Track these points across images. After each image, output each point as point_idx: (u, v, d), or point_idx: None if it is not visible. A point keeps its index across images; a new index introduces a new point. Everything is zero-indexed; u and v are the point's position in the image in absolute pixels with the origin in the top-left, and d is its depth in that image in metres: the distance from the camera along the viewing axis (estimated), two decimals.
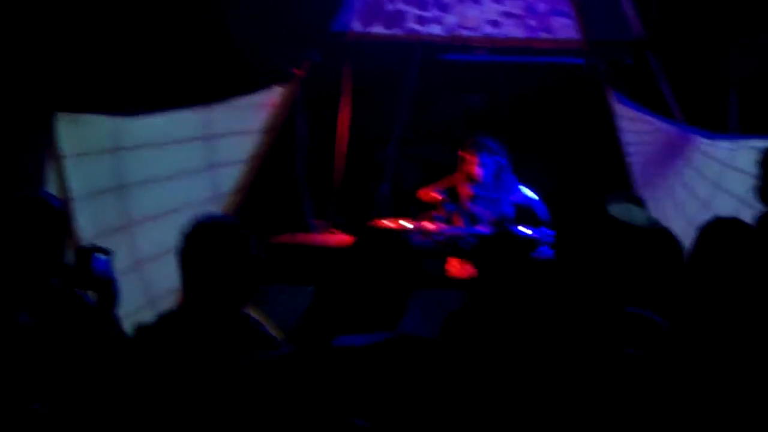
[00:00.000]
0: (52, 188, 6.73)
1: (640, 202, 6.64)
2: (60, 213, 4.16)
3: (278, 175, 9.30)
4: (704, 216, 6.51)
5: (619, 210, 6.36)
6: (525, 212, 8.30)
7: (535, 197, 8.29)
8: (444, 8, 8.98)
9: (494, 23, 8.88)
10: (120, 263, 4.29)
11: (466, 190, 8.37)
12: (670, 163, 7.48)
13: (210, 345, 3.57)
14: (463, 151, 8.35)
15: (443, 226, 7.98)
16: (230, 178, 8.23)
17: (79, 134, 6.95)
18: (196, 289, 3.70)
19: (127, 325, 4.06)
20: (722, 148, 7.23)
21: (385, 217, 8.64)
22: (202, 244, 3.71)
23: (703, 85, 8.22)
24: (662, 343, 3.48)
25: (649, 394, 3.30)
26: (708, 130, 7.51)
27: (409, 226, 8.02)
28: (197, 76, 8.18)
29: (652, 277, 4.10)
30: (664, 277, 4.13)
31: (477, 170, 8.24)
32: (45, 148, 6.79)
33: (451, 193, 8.41)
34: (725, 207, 6.61)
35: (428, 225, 8.00)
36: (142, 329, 3.72)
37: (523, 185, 8.37)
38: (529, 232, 7.84)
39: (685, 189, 7.44)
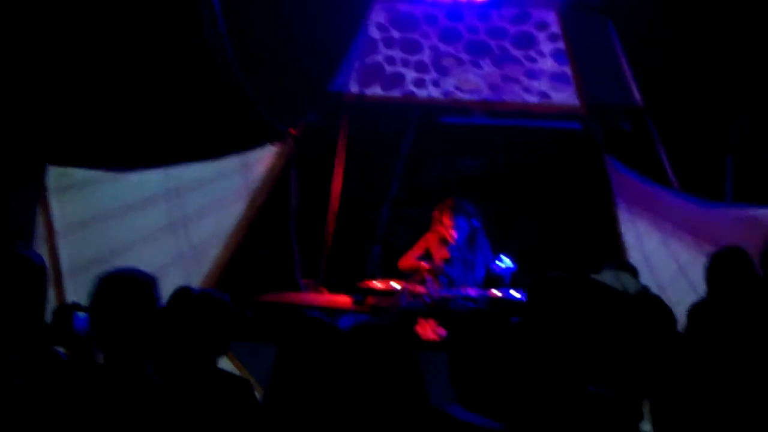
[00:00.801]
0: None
1: (632, 270, 6.58)
2: (39, 268, 4.09)
3: (270, 232, 9.25)
4: (700, 286, 6.50)
5: (610, 277, 6.32)
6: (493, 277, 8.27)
7: (511, 265, 8.23)
8: (443, 71, 8.96)
9: (493, 87, 8.85)
10: None
11: (441, 253, 8.33)
12: (667, 230, 7.43)
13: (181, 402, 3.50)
14: (439, 212, 8.33)
15: (433, 287, 7.88)
16: (222, 232, 8.19)
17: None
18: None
19: None
20: (719, 215, 7.20)
21: (376, 277, 8.56)
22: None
23: (701, 153, 8.19)
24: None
25: None
26: (705, 198, 7.46)
27: (399, 287, 7.95)
28: (193, 131, 8.16)
29: (641, 343, 4.02)
30: (654, 344, 4.06)
31: (452, 232, 8.22)
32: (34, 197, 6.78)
33: (426, 256, 8.38)
34: None
35: (418, 287, 7.93)
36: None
37: (502, 253, 8.32)
38: (519, 296, 7.79)
39: (680, 257, 7.39)
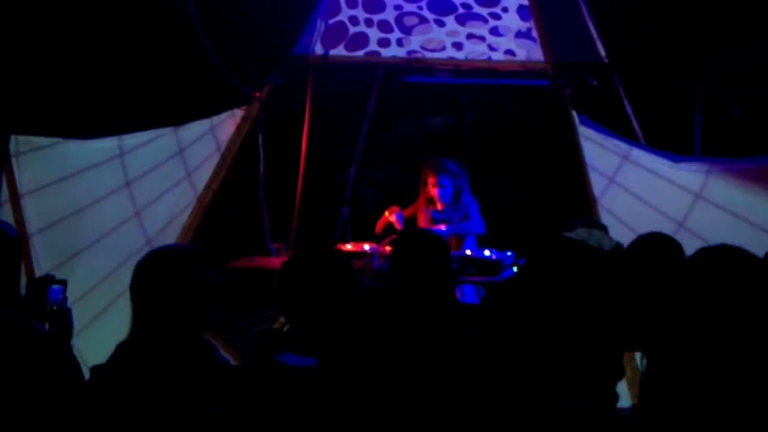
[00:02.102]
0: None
1: (602, 227, 6.61)
2: (15, 241, 4.05)
3: (237, 197, 9.21)
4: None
5: (584, 234, 6.34)
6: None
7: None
8: (407, 30, 8.90)
9: (457, 45, 8.82)
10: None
11: (426, 215, 8.33)
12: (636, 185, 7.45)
13: (168, 374, 3.45)
14: (424, 174, 8.31)
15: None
16: (187, 198, 8.15)
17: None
18: (152, 319, 3.57)
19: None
20: (685, 170, 7.22)
21: (346, 239, 8.55)
22: (157, 273, 3.59)
23: (668, 107, 8.22)
24: None
25: None
26: (671, 152, 7.48)
27: (369, 249, 7.93)
28: (158, 97, 8.10)
29: (615, 297, 4.04)
30: (627, 297, 4.08)
31: (436, 191, 8.20)
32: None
33: (413, 220, 8.36)
34: (692, 228, 6.59)
35: (389, 248, 7.90)
36: (97, 368, 3.58)
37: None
38: (489, 254, 7.81)
39: (646, 211, 7.42)
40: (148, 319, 3.56)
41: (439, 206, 8.27)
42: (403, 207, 8.32)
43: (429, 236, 4.58)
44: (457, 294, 8.00)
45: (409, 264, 4.30)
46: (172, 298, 3.55)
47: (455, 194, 8.28)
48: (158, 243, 7.52)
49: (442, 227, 8.18)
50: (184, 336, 3.58)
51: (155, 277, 3.58)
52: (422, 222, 8.34)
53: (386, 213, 8.23)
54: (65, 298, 4.06)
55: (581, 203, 7.87)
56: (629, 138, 7.97)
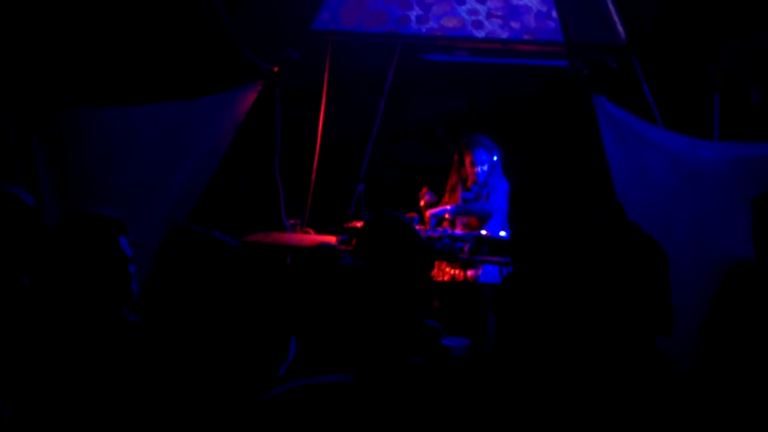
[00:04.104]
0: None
1: (619, 207, 6.59)
2: (32, 209, 4.06)
3: (254, 172, 9.20)
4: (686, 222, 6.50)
5: (598, 213, 6.33)
6: None
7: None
8: (426, 8, 8.89)
9: (477, 24, 8.80)
10: None
11: (456, 194, 8.24)
12: (655, 169, 7.41)
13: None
14: (458, 154, 8.20)
15: (420, 228, 7.84)
16: (205, 173, 8.15)
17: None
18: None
19: None
20: (705, 154, 7.17)
21: (360, 216, 8.54)
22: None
23: (688, 90, 8.17)
24: None
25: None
26: (691, 136, 7.44)
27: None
28: (175, 71, 8.08)
29: (631, 280, 4.00)
30: (644, 281, 4.04)
31: (476, 170, 8.08)
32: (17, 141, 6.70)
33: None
34: (711, 215, 6.54)
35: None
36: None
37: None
38: (505, 235, 7.80)
39: (665, 195, 7.38)
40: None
41: (469, 184, 8.17)
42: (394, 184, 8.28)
43: (394, 221, 4.62)
44: (478, 273, 7.98)
45: (374, 249, 4.34)
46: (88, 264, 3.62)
47: (491, 171, 8.17)
48: (174, 216, 7.54)
49: (448, 207, 8.12)
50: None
51: (70, 242, 3.67)
52: (454, 202, 8.23)
53: (421, 195, 8.20)
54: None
55: (599, 186, 7.85)
56: (648, 120, 7.93)
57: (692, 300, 4.51)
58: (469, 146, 8.11)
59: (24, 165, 6.78)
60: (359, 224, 8.11)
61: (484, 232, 7.96)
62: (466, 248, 7.66)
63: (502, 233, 7.86)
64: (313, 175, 8.99)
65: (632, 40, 8.43)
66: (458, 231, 8.00)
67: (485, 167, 8.10)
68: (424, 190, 8.23)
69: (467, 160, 8.11)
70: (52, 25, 7.42)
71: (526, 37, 8.68)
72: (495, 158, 8.15)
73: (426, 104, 10.40)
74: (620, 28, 8.44)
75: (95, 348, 3.45)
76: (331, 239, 7.96)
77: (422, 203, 8.21)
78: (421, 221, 8.11)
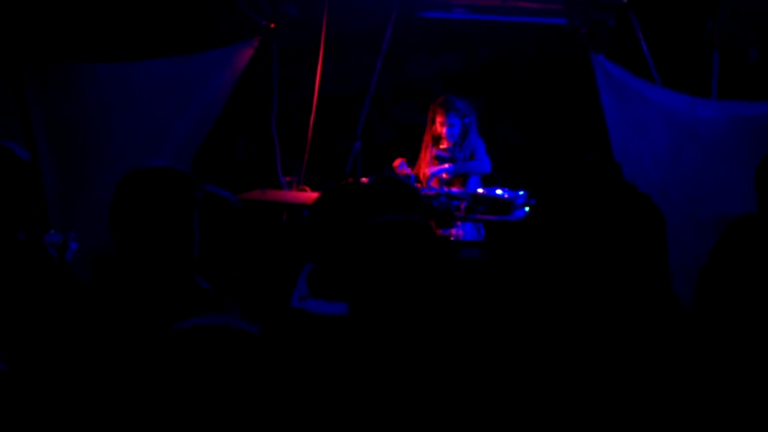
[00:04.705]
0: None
1: (616, 166, 6.57)
2: (27, 164, 4.04)
3: (251, 129, 9.17)
4: (685, 181, 6.49)
5: (595, 172, 6.30)
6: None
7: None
8: None
9: None
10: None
11: (430, 152, 8.29)
12: (654, 127, 7.39)
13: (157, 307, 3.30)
14: (431, 111, 8.28)
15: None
16: (201, 128, 8.12)
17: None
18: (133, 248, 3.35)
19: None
20: (703, 113, 7.16)
21: (356, 174, 8.53)
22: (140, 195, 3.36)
23: (686, 49, 8.14)
24: None
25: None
26: (689, 94, 7.42)
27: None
28: (172, 26, 8.05)
29: (628, 240, 3.98)
30: (641, 241, 4.02)
31: (444, 130, 8.17)
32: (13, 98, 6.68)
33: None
34: (709, 173, 6.54)
35: None
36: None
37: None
38: (502, 193, 7.80)
39: (663, 154, 7.37)
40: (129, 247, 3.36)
41: (444, 144, 8.24)
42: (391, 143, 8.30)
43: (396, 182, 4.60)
44: (458, 231, 8.01)
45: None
46: (154, 223, 3.32)
47: (462, 133, 8.24)
48: None
49: (446, 166, 8.16)
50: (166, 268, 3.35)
51: (137, 198, 3.36)
52: (426, 160, 8.31)
53: (395, 166, 8.22)
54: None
55: (597, 144, 7.84)
56: (647, 79, 7.91)
57: (689, 259, 4.50)
58: (443, 107, 8.20)
59: (20, 120, 6.76)
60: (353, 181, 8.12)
61: (480, 190, 7.96)
62: (462, 206, 7.66)
63: (499, 191, 7.85)
64: (310, 133, 8.95)
65: None
66: (454, 189, 8.00)
67: (454, 129, 8.15)
68: (398, 161, 8.26)
69: (438, 119, 8.20)
70: None
71: None
72: (467, 120, 8.19)
73: (423, 63, 10.37)
74: None
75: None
76: None
77: (401, 172, 8.22)
78: (417, 179, 8.14)
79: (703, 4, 8.17)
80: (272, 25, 8.42)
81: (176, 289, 3.33)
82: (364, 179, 7.88)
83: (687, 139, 6.93)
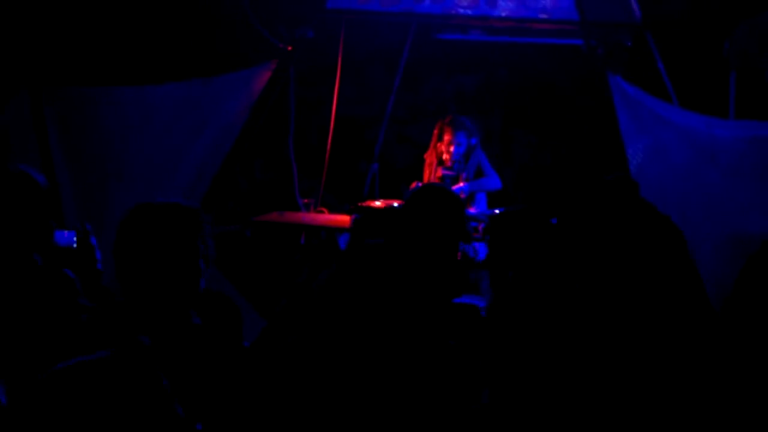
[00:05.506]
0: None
1: (634, 185, 6.55)
2: (45, 190, 4.05)
3: (268, 151, 9.19)
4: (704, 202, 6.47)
5: (614, 191, 6.29)
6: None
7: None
8: None
9: (491, 2, 8.74)
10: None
11: (434, 171, 8.29)
12: (671, 148, 7.38)
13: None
14: (438, 130, 8.27)
15: None
16: (220, 152, 8.14)
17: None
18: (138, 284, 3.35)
19: None
20: (720, 133, 7.14)
21: (374, 196, 8.53)
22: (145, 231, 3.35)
23: (703, 69, 8.13)
24: None
25: None
26: (706, 115, 7.41)
27: (398, 206, 7.92)
28: (191, 50, 8.07)
29: (646, 260, 3.98)
30: (659, 260, 4.01)
31: (453, 148, 8.16)
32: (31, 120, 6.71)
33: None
34: (727, 194, 6.52)
35: None
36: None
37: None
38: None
39: (681, 174, 7.35)
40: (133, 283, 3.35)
41: (448, 163, 8.22)
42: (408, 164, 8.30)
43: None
44: (471, 252, 8.00)
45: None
46: (161, 259, 3.31)
47: (466, 152, 8.24)
48: (189, 196, 7.54)
49: (462, 184, 8.15)
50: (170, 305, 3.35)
51: (143, 234, 3.35)
52: (429, 180, 8.29)
53: (412, 188, 8.22)
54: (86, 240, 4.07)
55: (614, 165, 7.82)
56: (664, 99, 7.90)
57: (709, 278, 4.49)
58: (452, 125, 8.16)
59: (38, 143, 6.79)
60: (373, 204, 8.13)
61: (497, 211, 7.95)
62: (480, 227, 7.65)
63: (497, 211, 7.83)
64: (327, 155, 8.98)
65: (647, 18, 8.39)
66: (471, 210, 8.00)
67: (461, 148, 8.14)
68: (414, 184, 8.26)
69: (446, 138, 8.17)
70: (68, 3, 7.42)
71: (540, 15, 8.61)
72: (473, 141, 8.19)
73: (440, 84, 10.38)
74: (635, 6, 8.40)
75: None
76: (345, 219, 7.96)
77: None
78: None
79: (721, 24, 8.15)
80: (289, 48, 8.45)
81: (174, 325, 3.35)
82: (371, 202, 7.93)
83: (705, 160, 6.91)
